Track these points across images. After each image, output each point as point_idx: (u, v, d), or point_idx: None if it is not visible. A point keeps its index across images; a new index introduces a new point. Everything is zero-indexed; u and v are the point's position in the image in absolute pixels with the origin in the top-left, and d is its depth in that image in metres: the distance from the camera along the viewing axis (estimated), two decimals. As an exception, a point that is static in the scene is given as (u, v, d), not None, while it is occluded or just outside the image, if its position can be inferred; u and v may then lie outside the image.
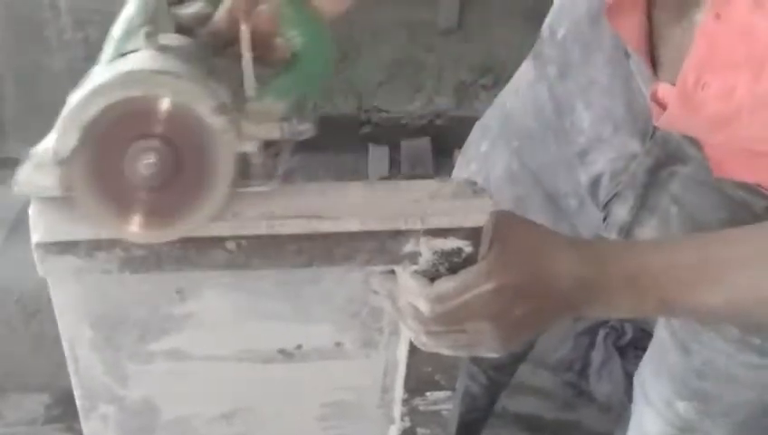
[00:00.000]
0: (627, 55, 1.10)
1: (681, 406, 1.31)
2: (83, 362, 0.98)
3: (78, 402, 1.02)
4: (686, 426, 1.33)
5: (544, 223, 0.96)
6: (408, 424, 1.09)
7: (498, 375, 1.83)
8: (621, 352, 2.36)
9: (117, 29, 0.83)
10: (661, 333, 1.31)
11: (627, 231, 1.16)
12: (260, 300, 0.95)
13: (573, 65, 1.19)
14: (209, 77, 0.81)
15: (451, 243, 0.88)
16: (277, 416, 1.08)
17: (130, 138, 0.78)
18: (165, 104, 0.78)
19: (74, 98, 0.78)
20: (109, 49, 0.83)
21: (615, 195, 1.16)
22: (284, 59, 0.87)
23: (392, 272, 0.92)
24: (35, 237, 0.83)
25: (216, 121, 0.79)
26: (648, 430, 1.39)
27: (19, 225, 2.55)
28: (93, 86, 0.77)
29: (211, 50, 0.87)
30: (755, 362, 1.21)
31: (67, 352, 0.97)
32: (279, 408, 1.07)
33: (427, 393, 1.05)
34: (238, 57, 0.85)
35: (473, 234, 0.88)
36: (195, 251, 0.85)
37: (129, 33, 0.82)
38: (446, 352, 0.95)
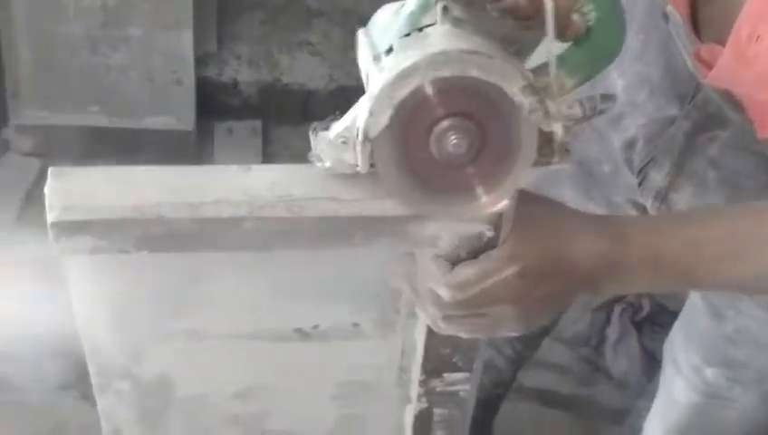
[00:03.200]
0: (665, 18, 1.08)
1: (710, 373, 1.31)
2: (98, 340, 0.97)
3: (93, 380, 1.02)
4: (715, 393, 1.33)
5: (575, 190, 0.95)
6: (424, 405, 1.08)
7: (523, 348, 1.84)
8: (638, 327, 2.35)
9: (412, 2, 0.84)
10: (694, 299, 1.30)
11: (663, 196, 1.15)
12: (277, 280, 0.94)
13: None
14: (517, 54, 0.82)
15: (472, 227, 0.87)
16: (292, 395, 1.08)
17: (439, 116, 0.79)
18: (475, 84, 0.78)
19: (382, 78, 0.78)
20: (401, 21, 0.84)
21: (651, 160, 1.14)
22: (578, 34, 0.86)
23: (411, 254, 0.91)
24: (51, 217, 0.82)
25: (524, 101, 0.78)
26: (677, 397, 1.39)
27: (34, 193, 2.55)
28: (404, 67, 0.77)
29: (505, 24, 0.86)
30: None
31: (81, 330, 0.96)
32: (294, 387, 1.07)
33: (445, 375, 1.04)
34: (531, 31, 0.84)
35: (493, 218, 0.86)
36: (212, 232, 0.84)
37: (424, 8, 0.83)
38: (464, 335, 0.94)
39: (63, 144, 2.63)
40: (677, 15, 1.04)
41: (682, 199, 1.14)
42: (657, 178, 1.16)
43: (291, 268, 0.93)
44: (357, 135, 0.80)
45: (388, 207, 0.85)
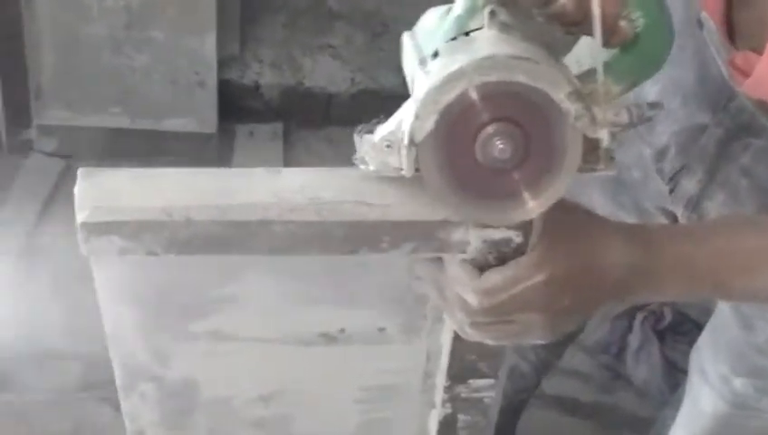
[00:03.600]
0: (699, 25, 1.07)
1: (739, 383, 1.30)
2: (124, 341, 0.97)
3: (117, 381, 1.02)
4: (743, 403, 1.32)
5: (603, 195, 0.94)
6: (449, 410, 1.07)
7: (548, 355, 1.83)
8: (660, 336, 2.34)
9: (459, 6, 0.84)
10: (723, 308, 1.29)
11: (694, 204, 1.15)
12: (304, 284, 0.94)
13: None
14: (557, 58, 0.81)
15: (501, 233, 0.86)
16: (316, 399, 1.08)
17: (485, 121, 0.79)
18: (523, 89, 0.77)
19: (429, 82, 0.78)
20: (447, 25, 0.84)
21: (682, 168, 1.14)
22: (625, 40, 0.86)
23: (438, 259, 0.90)
24: (81, 217, 0.82)
25: (571, 107, 0.78)
26: (704, 406, 1.37)
27: (56, 196, 2.56)
28: (450, 71, 0.77)
29: (551, 29, 0.86)
30: None
31: (108, 331, 0.96)
32: (318, 390, 1.07)
33: (470, 381, 1.04)
34: (577, 37, 0.85)
35: (523, 224, 0.86)
36: (241, 235, 0.84)
37: (471, 12, 0.83)
38: (491, 342, 0.94)
39: (86, 145, 2.64)
40: (712, 22, 1.03)
41: (714, 208, 1.13)
42: (689, 185, 1.15)
43: (318, 272, 0.92)
44: (402, 139, 0.80)
45: (418, 211, 0.85)
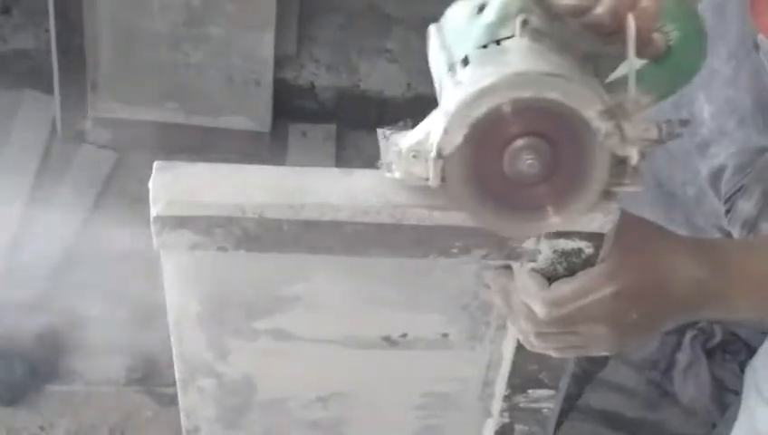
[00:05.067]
0: (756, 48, 1.06)
1: None
2: (187, 335, 0.97)
3: (177, 374, 1.02)
4: None
5: (653, 212, 0.93)
6: (506, 420, 1.07)
7: (592, 366, 1.81)
8: (709, 354, 2.31)
9: (490, 13, 0.83)
10: None
11: (751, 225, 1.13)
12: (370, 286, 0.93)
13: None
14: (585, 70, 0.81)
15: (573, 243, 0.86)
16: (374, 403, 1.07)
17: (514, 136, 0.78)
18: (554, 106, 0.77)
19: (459, 95, 0.78)
20: (478, 31, 0.83)
21: (740, 189, 1.12)
22: (657, 52, 0.85)
23: (507, 267, 0.90)
24: (155, 210, 0.82)
25: (602, 126, 0.78)
26: (760, 426, 1.35)
27: (108, 187, 2.58)
28: (482, 86, 0.77)
29: (585, 39, 0.85)
30: None
31: (171, 325, 0.96)
32: (376, 395, 1.06)
33: (530, 391, 1.03)
34: (611, 47, 0.84)
35: (596, 237, 0.85)
36: (312, 234, 0.83)
37: (503, 20, 0.83)
38: (553, 353, 0.93)
39: (139, 138, 2.65)
40: None
41: None
42: (746, 206, 1.13)
43: (385, 274, 0.92)
44: (430, 151, 0.79)
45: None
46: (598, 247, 0.86)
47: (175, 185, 0.83)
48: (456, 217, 0.84)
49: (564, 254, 0.86)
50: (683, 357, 2.33)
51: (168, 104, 2.70)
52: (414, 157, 0.81)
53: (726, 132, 1.13)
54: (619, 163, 0.80)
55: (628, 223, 0.88)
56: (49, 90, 2.66)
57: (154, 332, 2.18)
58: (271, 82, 2.69)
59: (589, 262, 0.87)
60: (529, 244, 0.86)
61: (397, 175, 0.83)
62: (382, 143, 0.85)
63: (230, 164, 0.86)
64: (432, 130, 0.79)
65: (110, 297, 2.29)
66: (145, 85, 2.70)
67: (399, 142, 0.82)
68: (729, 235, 1.23)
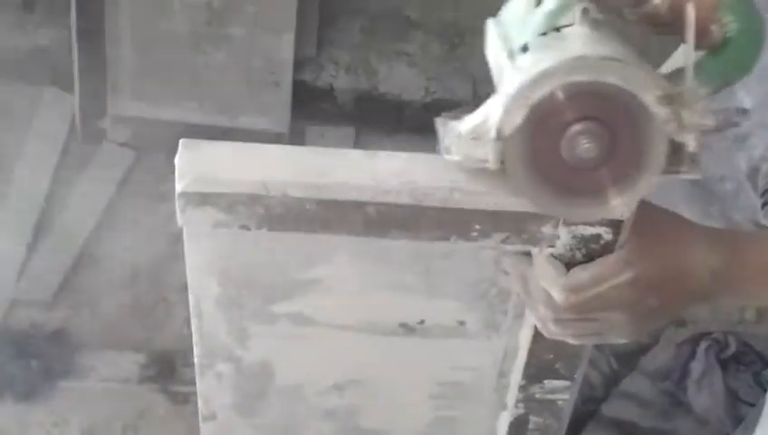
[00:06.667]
0: None
1: None
2: (207, 318, 0.98)
3: (196, 359, 1.03)
4: None
5: (689, 207, 0.94)
6: (521, 411, 1.07)
7: (620, 365, 1.81)
8: (723, 365, 2.30)
9: (550, 2, 0.84)
10: None
11: None
12: (389, 270, 0.94)
13: None
14: (644, 59, 0.81)
15: (592, 229, 0.86)
16: (390, 390, 1.08)
17: (572, 120, 0.79)
18: (613, 91, 0.78)
19: (519, 77, 0.79)
20: (538, 19, 0.84)
21: None
22: (715, 44, 0.86)
23: (526, 253, 0.90)
24: (180, 186, 0.82)
25: (660, 111, 0.78)
26: None
27: (126, 186, 2.59)
28: (541, 69, 0.77)
29: (641, 29, 0.86)
30: None
31: (192, 308, 0.97)
32: (393, 382, 1.07)
33: (545, 381, 1.03)
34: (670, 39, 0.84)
35: (614, 222, 0.86)
36: (334, 214, 0.84)
37: (563, 9, 0.83)
38: (571, 340, 0.93)
39: (158, 137, 2.65)
40: None
41: None
42: None
43: (405, 259, 0.92)
44: (489, 132, 0.80)
45: (510, 202, 0.85)
46: (617, 234, 0.86)
47: (200, 162, 0.83)
48: (477, 200, 0.84)
49: (583, 239, 0.87)
50: (697, 367, 2.31)
51: (187, 104, 2.71)
52: (474, 139, 0.82)
53: (765, 125, 1.13)
54: (677, 150, 0.81)
55: (645, 210, 0.88)
56: (69, 88, 2.67)
57: (168, 331, 2.20)
58: (290, 84, 2.70)
59: (607, 248, 0.87)
60: (548, 228, 0.86)
61: (456, 158, 0.84)
62: (440, 129, 0.86)
63: (255, 144, 0.87)
64: (491, 112, 0.80)
65: (125, 295, 2.31)
66: (165, 84, 2.71)
67: (459, 126, 0.83)
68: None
